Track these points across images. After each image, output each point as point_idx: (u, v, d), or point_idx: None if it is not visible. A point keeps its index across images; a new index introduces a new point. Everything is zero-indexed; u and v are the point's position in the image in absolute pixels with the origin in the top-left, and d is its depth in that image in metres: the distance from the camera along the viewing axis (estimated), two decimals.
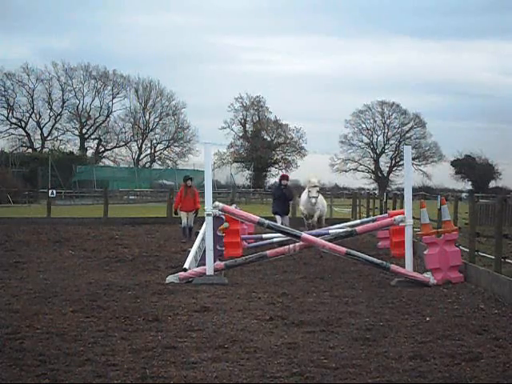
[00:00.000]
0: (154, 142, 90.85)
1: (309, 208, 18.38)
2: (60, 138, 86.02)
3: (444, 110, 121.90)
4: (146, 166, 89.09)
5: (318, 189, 18.35)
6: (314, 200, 18.17)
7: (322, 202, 19.19)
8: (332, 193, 55.27)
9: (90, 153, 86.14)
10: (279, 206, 18.88)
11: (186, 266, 12.77)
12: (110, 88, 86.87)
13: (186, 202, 21.12)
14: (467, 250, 13.45)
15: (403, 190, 14.14)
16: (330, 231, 16.63)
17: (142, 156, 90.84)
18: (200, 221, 16.11)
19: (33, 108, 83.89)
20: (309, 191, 18.31)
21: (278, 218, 18.61)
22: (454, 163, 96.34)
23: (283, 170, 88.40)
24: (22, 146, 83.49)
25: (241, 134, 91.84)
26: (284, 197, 18.90)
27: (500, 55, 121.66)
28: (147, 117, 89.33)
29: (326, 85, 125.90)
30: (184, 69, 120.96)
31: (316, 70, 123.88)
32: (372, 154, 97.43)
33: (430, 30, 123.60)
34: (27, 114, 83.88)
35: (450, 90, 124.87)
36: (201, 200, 19.27)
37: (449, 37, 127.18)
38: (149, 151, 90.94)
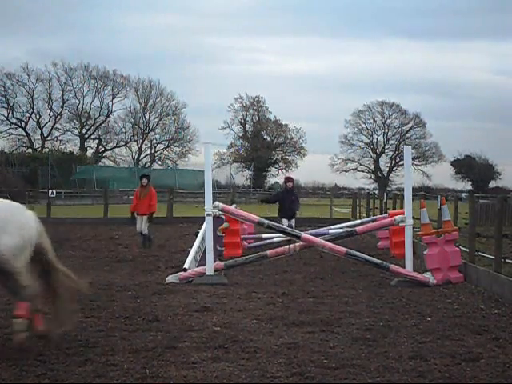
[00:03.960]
0: (154, 141, 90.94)
1: None
2: (60, 138, 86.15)
3: (443, 111, 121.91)
4: (146, 166, 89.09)
5: None
6: None
7: None
8: (332, 193, 55.27)
9: (89, 153, 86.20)
10: (286, 210, 18.38)
11: (186, 265, 12.78)
12: (110, 88, 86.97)
13: (140, 204, 18.75)
14: (467, 250, 13.45)
15: (403, 190, 14.14)
16: (330, 231, 16.65)
17: (142, 156, 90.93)
18: (200, 221, 16.10)
19: (33, 108, 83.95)
20: None
21: (284, 221, 18.18)
22: (453, 163, 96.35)
23: (283, 170, 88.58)
24: (22, 146, 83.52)
25: (241, 134, 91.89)
26: (290, 200, 18.40)
27: (498, 55, 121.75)
28: (147, 117, 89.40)
29: (326, 84, 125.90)
30: (184, 69, 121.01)
31: (316, 70, 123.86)
32: (372, 153, 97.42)
33: (428, 31, 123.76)
34: (27, 114, 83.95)
35: (450, 89, 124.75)
36: (200, 200, 19.16)
37: (446, 37, 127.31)
38: (149, 151, 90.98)
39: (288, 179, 19.50)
